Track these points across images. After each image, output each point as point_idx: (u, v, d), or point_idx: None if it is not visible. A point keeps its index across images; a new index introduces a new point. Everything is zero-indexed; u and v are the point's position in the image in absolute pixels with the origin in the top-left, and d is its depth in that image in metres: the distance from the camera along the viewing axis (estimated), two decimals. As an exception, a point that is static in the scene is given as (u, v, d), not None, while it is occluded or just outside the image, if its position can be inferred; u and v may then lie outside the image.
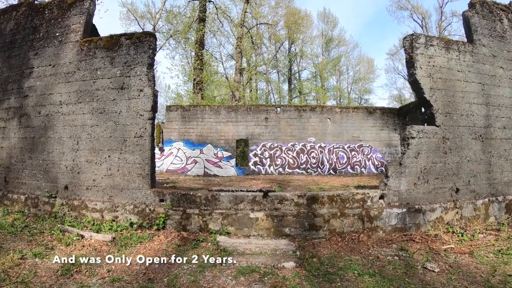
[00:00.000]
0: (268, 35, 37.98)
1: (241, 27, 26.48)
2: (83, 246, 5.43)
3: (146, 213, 5.83)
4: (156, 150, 19.34)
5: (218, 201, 5.65)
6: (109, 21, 55.25)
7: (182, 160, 19.18)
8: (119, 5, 40.61)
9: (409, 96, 45.06)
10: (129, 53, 6.65)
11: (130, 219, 5.92)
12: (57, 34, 7.88)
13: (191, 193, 5.75)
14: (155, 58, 6.65)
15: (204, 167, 18.99)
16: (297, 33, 38.62)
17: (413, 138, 6.36)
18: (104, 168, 6.40)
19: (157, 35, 33.38)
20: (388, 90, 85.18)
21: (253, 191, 5.73)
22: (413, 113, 19.18)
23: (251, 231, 5.45)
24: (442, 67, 7.22)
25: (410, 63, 7.00)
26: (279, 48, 40.97)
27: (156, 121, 27.62)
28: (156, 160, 19.27)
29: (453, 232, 6.28)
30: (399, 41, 44.74)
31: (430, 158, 6.55)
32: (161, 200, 5.87)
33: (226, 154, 19.16)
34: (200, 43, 24.25)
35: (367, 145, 19.81)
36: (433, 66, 7.12)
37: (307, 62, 43.65)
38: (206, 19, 25.03)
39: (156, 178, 15.59)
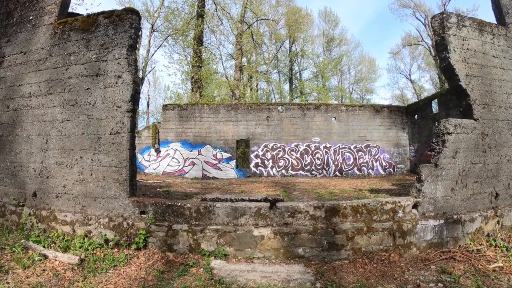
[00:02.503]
0: (269, 34, 37.06)
1: (241, 23, 25.39)
2: (44, 270, 4.32)
3: (123, 228, 4.69)
4: (152, 152, 18.32)
5: (212, 214, 4.50)
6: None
7: (179, 162, 18.08)
8: (117, 4, 39.69)
9: (411, 96, 44.18)
10: (107, 34, 5.56)
11: (105, 235, 4.79)
12: (31, 17, 6.83)
13: (179, 203, 4.59)
14: (138, 39, 5.54)
15: (203, 169, 17.89)
16: (298, 32, 37.61)
17: (449, 133, 5.25)
18: (75, 172, 5.29)
19: (156, 34, 32.72)
20: (390, 90, 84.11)
21: (256, 200, 4.59)
22: (422, 111, 18.10)
23: (255, 253, 4.28)
24: (476, 51, 6.17)
25: (442, 46, 5.91)
26: (280, 47, 40.06)
27: (153, 121, 26.55)
28: (152, 162, 18.45)
29: (496, 245, 5.22)
30: (402, 40, 44.09)
31: (469, 157, 5.45)
32: (142, 212, 4.73)
33: (226, 155, 18.04)
34: (199, 40, 23.16)
35: (374, 145, 18.72)
36: (468, 49, 6.05)
37: (308, 62, 42.65)
38: (205, 15, 23.95)
39: (151, 181, 14.55)
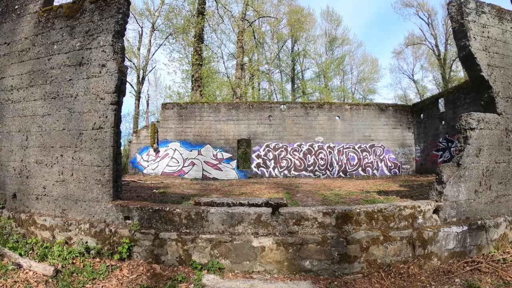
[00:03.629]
0: (270, 34, 36.71)
1: (242, 21, 24.87)
2: (16, 282, 3.80)
3: (106, 235, 4.13)
4: (151, 151, 17.81)
5: (205, 221, 3.89)
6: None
7: (178, 162, 17.58)
8: (116, 2, 39.14)
9: (414, 96, 43.67)
10: (92, 20, 5.04)
11: (86, 242, 4.25)
12: (16, 6, 6.34)
13: (167, 208, 4.00)
14: (126, 26, 5.01)
15: (203, 169, 17.36)
16: (300, 31, 37.25)
17: (472, 129, 4.70)
18: (55, 172, 4.76)
19: (156, 33, 32.33)
20: (393, 90, 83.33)
21: (256, 205, 4.01)
22: (428, 110, 17.53)
23: (255, 266, 3.68)
24: (497, 40, 5.64)
25: (461, 33, 5.37)
26: (282, 47, 39.66)
27: (152, 120, 26.08)
28: (151, 162, 17.92)
29: (522, 254, 4.67)
30: (405, 39, 43.49)
31: (493, 156, 4.90)
32: (126, 218, 4.16)
33: (226, 155, 17.51)
34: (199, 37, 22.64)
35: (379, 145, 18.15)
36: (488, 37, 5.52)
37: (310, 62, 42.19)
38: (205, 12, 23.46)
39: (149, 182, 14.00)
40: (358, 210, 3.75)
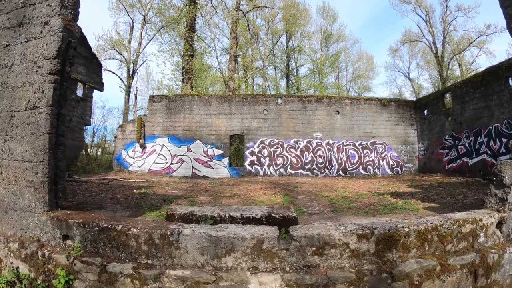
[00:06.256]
0: (265, 29, 35.80)
1: (236, 11, 23.62)
2: None
3: (39, 261, 2.88)
4: (137, 147, 16.53)
5: (176, 248, 2.54)
6: (99, 13, 52.26)
7: (166, 159, 16.34)
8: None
9: (409, 94, 43.05)
10: (40, -30, 3.81)
11: (17, 267, 3.04)
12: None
13: (119, 227, 2.65)
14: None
15: (192, 167, 16.14)
16: (295, 26, 36.52)
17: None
18: (-17, 169, 3.54)
19: (148, 25, 31.00)
20: (388, 88, 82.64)
21: (254, 219, 2.76)
22: (433, 106, 16.53)
23: (254, 318, 2.45)
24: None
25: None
26: (277, 42, 38.84)
27: (142, 113, 24.70)
28: (137, 158, 16.58)
29: None
30: (402, 36, 42.85)
31: (559, 152, 3.81)
32: (66, 237, 2.92)
33: (218, 152, 16.30)
34: (191, 27, 21.38)
35: (381, 142, 17.13)
36: (542, 6, 4.43)
37: (305, 58, 41.32)
38: (197, 1, 22.21)
39: (133, 180, 12.67)
40: (406, 230, 2.53)
